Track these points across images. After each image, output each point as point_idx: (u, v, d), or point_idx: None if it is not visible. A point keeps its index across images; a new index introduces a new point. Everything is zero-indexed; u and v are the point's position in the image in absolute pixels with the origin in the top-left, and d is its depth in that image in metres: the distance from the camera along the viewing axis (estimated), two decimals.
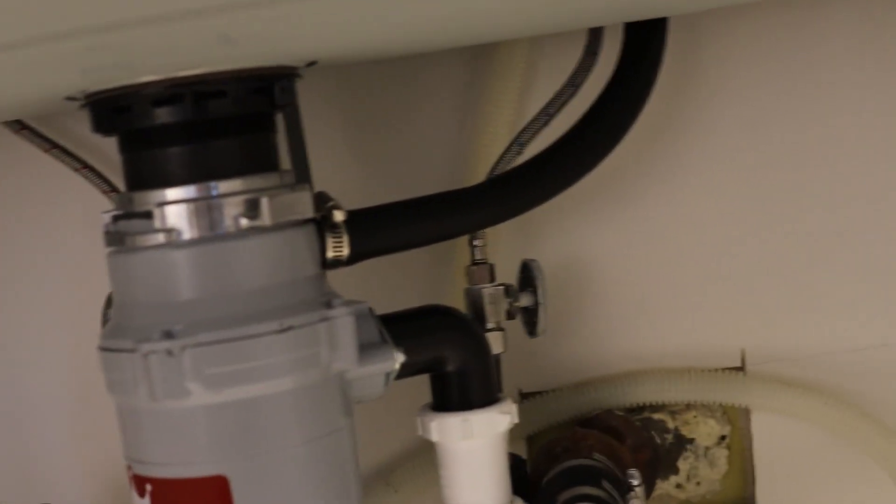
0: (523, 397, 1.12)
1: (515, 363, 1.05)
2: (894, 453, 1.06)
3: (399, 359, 0.81)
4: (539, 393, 1.12)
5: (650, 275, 1.12)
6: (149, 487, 0.76)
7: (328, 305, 0.77)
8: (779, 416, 1.11)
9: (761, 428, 1.14)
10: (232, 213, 0.74)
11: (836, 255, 1.12)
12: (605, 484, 0.91)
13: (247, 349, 0.73)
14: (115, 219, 0.78)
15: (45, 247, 1.10)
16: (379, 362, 0.80)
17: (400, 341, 0.82)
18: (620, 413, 1.11)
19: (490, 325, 0.96)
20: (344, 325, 0.77)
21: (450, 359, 0.87)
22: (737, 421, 1.15)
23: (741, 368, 1.12)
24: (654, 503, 1.16)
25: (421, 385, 0.90)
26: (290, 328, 0.74)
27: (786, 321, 1.13)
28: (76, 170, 1.03)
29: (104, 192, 1.02)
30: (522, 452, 1.11)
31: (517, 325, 1.00)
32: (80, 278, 1.09)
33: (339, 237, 0.80)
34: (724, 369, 1.11)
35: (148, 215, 0.75)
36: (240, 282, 0.74)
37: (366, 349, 0.79)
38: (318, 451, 0.77)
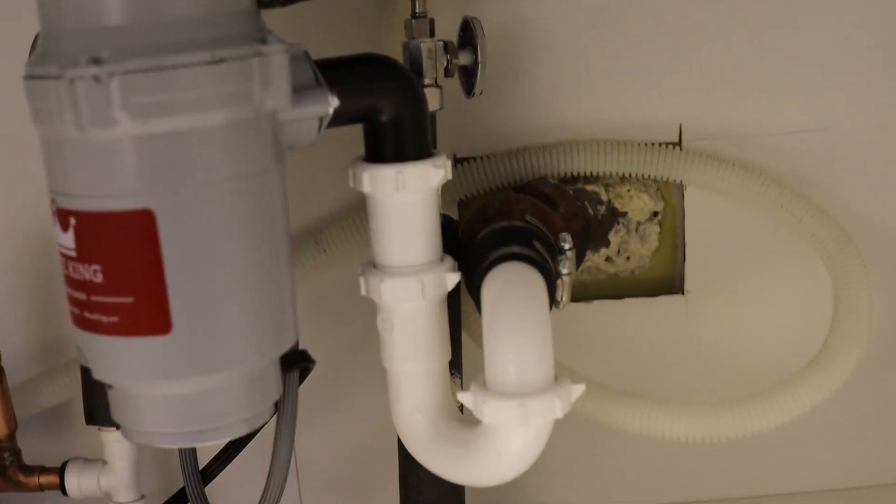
0: (458, 162, 1.11)
1: (451, 128, 1.06)
2: (826, 234, 1.07)
3: (333, 103, 0.79)
4: (473, 158, 1.10)
5: (592, 45, 1.10)
6: (72, 221, 0.74)
7: (262, 42, 0.74)
8: (712, 195, 1.11)
9: (694, 206, 1.14)
10: None
11: (781, 36, 1.10)
12: (537, 244, 0.91)
13: (176, 79, 0.70)
14: None
15: None
16: (312, 105, 0.79)
17: (335, 86, 0.80)
18: (554, 181, 1.10)
19: (427, 81, 0.94)
20: (277, 62, 0.75)
21: (385, 109, 0.85)
22: (670, 198, 1.15)
23: (678, 144, 1.12)
24: (582, 275, 1.16)
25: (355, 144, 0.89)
26: (221, 60, 0.71)
27: (726, 99, 1.12)
28: None
29: None
30: (455, 217, 1.10)
31: (455, 89, 0.98)
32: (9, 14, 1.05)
33: None
34: (660, 144, 1.11)
35: None
36: (171, 9, 0.72)
37: (299, 91, 0.77)
38: (245, 189, 0.75)
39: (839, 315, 1.05)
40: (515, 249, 0.89)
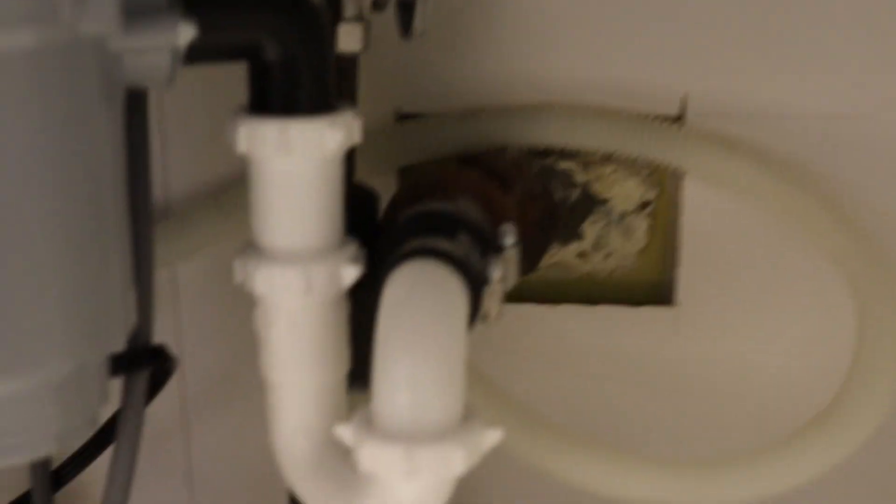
0: (401, 119, 0.91)
1: (395, 77, 0.90)
2: (854, 252, 0.87)
3: (185, 32, 0.61)
4: (419, 116, 0.91)
5: None
6: None
7: None
8: (717, 186, 0.90)
9: (695, 198, 0.93)
10: None
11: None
12: (463, 237, 0.70)
13: None
14: None
15: None
16: (156, 33, 0.61)
17: (199, 11, 0.62)
18: (515, 154, 0.89)
19: (349, 14, 0.74)
20: None
21: (270, 45, 0.66)
22: (666, 186, 0.94)
23: (680, 118, 0.91)
24: (549, 272, 0.96)
25: None
26: None
27: (746, 68, 0.90)
28: None
29: None
30: (392, 187, 0.90)
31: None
32: None
33: None
34: (657, 117, 0.90)
35: None
36: None
37: (139, 14, 0.60)
38: (54, 139, 0.57)
39: (861, 356, 0.85)
40: (433, 243, 0.68)
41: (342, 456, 0.71)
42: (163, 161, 0.92)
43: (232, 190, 0.91)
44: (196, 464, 1.02)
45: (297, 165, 0.67)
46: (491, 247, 0.72)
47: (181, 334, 0.97)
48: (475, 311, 0.69)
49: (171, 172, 0.93)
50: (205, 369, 0.99)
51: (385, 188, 0.83)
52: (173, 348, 0.95)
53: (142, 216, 0.73)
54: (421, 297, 0.65)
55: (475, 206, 0.75)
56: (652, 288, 0.97)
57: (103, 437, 0.83)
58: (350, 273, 0.70)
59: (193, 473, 1.03)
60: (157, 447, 0.99)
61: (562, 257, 0.95)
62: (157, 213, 0.92)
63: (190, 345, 0.97)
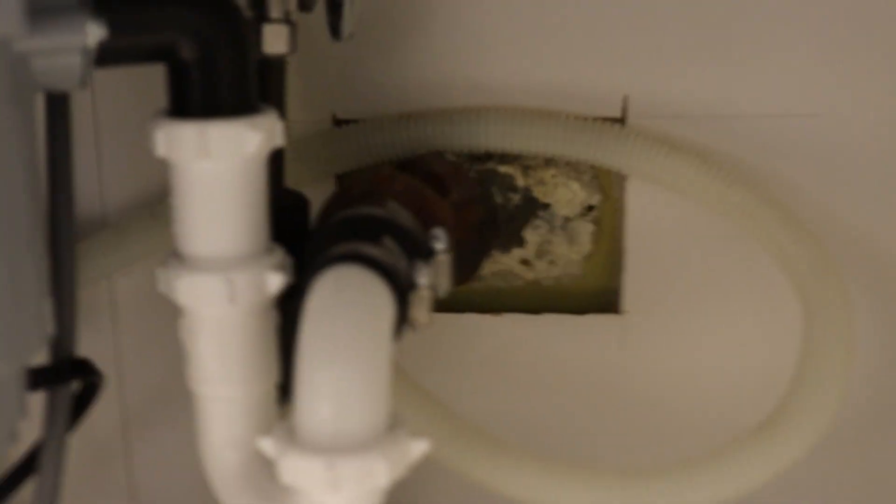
0: (338, 125, 0.88)
1: (331, 84, 0.87)
2: (801, 255, 0.83)
3: (95, 33, 0.58)
4: (355, 121, 0.88)
5: None
6: None
7: None
8: (662, 189, 0.87)
9: (639, 202, 0.90)
10: None
11: None
12: (389, 241, 0.68)
13: None
14: None
15: None
16: (64, 34, 0.58)
17: (109, 10, 0.59)
18: (452, 159, 0.87)
19: (275, 15, 0.72)
20: None
21: (187, 45, 0.64)
22: (611, 190, 0.91)
23: (621, 120, 0.87)
24: (494, 280, 0.93)
25: None
26: None
27: (689, 68, 0.87)
28: None
29: None
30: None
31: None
32: None
33: None
34: (599, 118, 0.86)
35: None
36: None
37: (46, 13, 0.57)
38: None
39: (805, 367, 0.81)
40: (358, 248, 0.66)
41: (270, 469, 0.69)
42: (98, 171, 0.90)
43: (167, 200, 0.89)
44: (138, 480, 0.99)
45: (216, 169, 0.65)
46: (421, 251, 0.69)
47: (120, 349, 0.94)
48: (402, 317, 0.66)
49: (107, 183, 0.90)
50: (145, 384, 0.96)
51: (324, 195, 0.81)
52: (112, 363, 0.94)
53: (63, 225, 0.71)
54: (344, 304, 0.63)
55: (406, 210, 0.73)
56: (598, 295, 0.94)
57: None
58: (275, 281, 0.68)
59: (136, 490, 0.99)
60: (98, 464, 0.97)
61: (506, 265, 0.93)
62: (92, 224, 0.90)
63: (130, 359, 0.94)
